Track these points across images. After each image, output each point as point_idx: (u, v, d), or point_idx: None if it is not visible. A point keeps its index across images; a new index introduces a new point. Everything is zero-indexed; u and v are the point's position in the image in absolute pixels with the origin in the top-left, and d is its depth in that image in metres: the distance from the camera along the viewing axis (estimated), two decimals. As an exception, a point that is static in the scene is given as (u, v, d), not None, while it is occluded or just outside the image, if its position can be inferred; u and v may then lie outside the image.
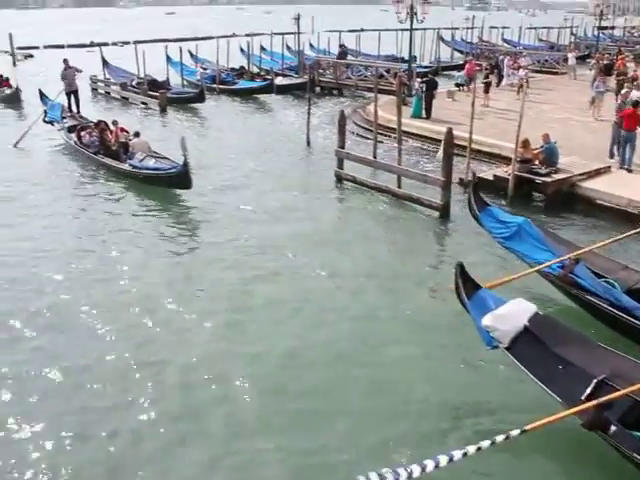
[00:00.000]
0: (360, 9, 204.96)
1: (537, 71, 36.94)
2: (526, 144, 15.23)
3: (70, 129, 20.41)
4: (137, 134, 17.94)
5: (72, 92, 24.40)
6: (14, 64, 45.24)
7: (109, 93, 31.65)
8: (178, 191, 15.38)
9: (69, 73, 24.48)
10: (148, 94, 28.32)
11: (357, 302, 10.15)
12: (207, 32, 73.21)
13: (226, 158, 18.75)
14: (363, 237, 12.93)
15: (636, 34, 75.21)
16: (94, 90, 32.56)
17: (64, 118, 21.63)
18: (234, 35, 62.80)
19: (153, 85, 29.23)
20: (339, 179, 16.39)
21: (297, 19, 37.99)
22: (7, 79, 30.18)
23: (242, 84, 31.98)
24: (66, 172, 18.01)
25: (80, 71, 25.53)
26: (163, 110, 26.69)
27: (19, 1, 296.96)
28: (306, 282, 10.83)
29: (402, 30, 29.12)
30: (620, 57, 32.97)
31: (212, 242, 12.60)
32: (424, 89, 22.38)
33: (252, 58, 37.13)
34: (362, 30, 58.98)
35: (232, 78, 32.90)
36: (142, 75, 31.05)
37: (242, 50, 39.52)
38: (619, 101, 18.29)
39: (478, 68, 27.16)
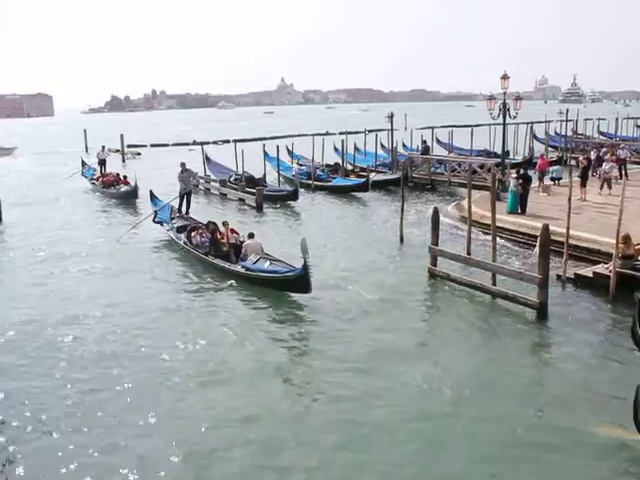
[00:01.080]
0: (448, 105, 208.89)
1: (637, 162, 36.17)
2: (627, 239, 14.82)
3: (179, 229, 20.87)
4: (251, 235, 17.78)
5: (186, 193, 25.31)
6: (123, 161, 48.51)
7: (209, 189, 33.18)
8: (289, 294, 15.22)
9: (186, 176, 25.53)
10: (246, 190, 29.49)
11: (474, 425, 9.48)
12: (303, 130, 76.18)
13: (320, 256, 18.66)
14: (461, 341, 12.73)
15: None
16: (195, 186, 34.10)
17: (173, 219, 22.47)
18: (328, 133, 65.14)
19: (250, 181, 30.45)
20: (433, 276, 16.35)
21: (391, 117, 39.08)
22: (125, 177, 32.59)
23: (337, 181, 32.81)
24: (175, 270, 18.38)
25: (197, 178, 27.10)
26: (259, 207, 27.61)
27: (129, 105, 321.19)
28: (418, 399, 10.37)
29: (494, 125, 29.37)
30: None
31: (320, 350, 12.43)
32: (520, 183, 22.26)
33: (346, 155, 38.17)
34: (454, 126, 59.64)
35: (327, 175, 33.81)
36: (240, 172, 32.39)
37: (336, 149, 40.77)
38: None
39: (586, 161, 26.69)
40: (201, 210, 25.48)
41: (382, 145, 41.29)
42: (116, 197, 30.96)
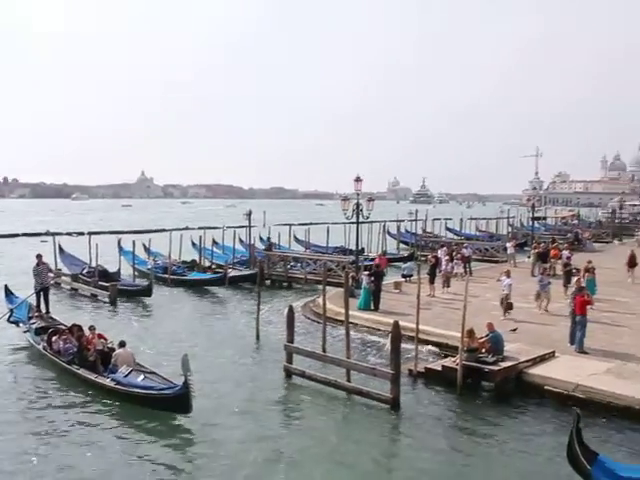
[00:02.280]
0: (301, 204, 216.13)
1: (479, 260, 38.67)
2: (471, 333, 15.55)
3: (38, 331, 18.66)
4: (122, 344, 15.77)
5: (43, 289, 22.76)
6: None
7: (59, 284, 31.46)
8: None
9: (43, 269, 23.12)
10: (98, 285, 28.39)
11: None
12: (161, 225, 75.33)
13: (172, 356, 17.59)
14: (317, 444, 12.49)
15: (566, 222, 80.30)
16: (53, 281, 32.42)
17: (31, 319, 20.01)
18: (187, 228, 64.82)
19: (104, 275, 29.37)
20: (288, 374, 16.23)
21: (249, 214, 39.56)
22: None
23: (193, 275, 32.46)
24: (32, 385, 15.99)
25: (54, 272, 24.88)
26: (113, 302, 26.65)
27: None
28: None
29: (349, 223, 30.49)
30: (553, 246, 34.82)
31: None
32: (372, 280, 23.01)
33: (204, 251, 37.93)
34: (311, 223, 61.34)
35: (183, 271, 33.39)
36: (94, 265, 31.19)
37: (194, 244, 40.52)
38: (573, 289, 19.23)
39: (434, 259, 27.99)
40: (53, 308, 23.61)
41: (241, 240, 41.55)
42: None
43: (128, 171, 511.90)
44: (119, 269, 31.25)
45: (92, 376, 15.20)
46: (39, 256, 24.23)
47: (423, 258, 33.74)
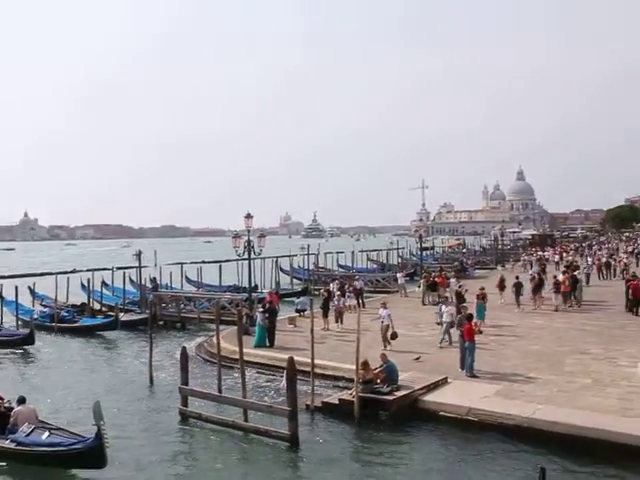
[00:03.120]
0: (189, 242, 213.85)
1: (372, 291, 39.49)
2: (366, 365, 15.80)
3: None
4: (22, 400, 14.12)
5: None
6: None
7: None
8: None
9: None
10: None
11: None
12: (47, 268, 72.27)
13: (61, 407, 17.19)
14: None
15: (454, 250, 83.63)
16: None
17: None
18: (75, 271, 62.54)
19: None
20: (184, 417, 15.84)
21: (138, 254, 38.72)
22: None
23: (83, 321, 31.31)
24: None
25: None
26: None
27: None
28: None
29: (242, 260, 30.44)
30: (441, 274, 36.13)
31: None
32: (267, 317, 22.96)
33: (93, 293, 36.68)
34: (204, 262, 60.63)
35: (72, 315, 32.20)
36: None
37: (83, 285, 39.11)
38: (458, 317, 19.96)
39: (327, 292, 28.20)
40: None
41: (131, 280, 40.51)
42: None
43: (9, 212, 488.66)
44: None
45: None
46: None
47: (317, 292, 34.12)
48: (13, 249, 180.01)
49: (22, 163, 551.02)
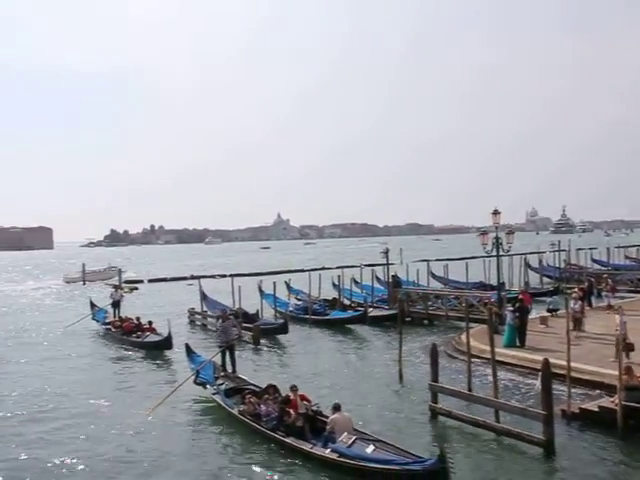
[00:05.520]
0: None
1: (631, 291, 36.40)
2: (630, 370, 14.57)
3: (228, 393, 16.99)
4: (337, 407, 13.58)
5: (228, 347, 20.56)
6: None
7: (205, 325, 33.08)
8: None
9: (227, 326, 21.05)
10: (242, 326, 29.32)
11: None
12: (300, 265, 77.02)
13: (315, 391, 17.34)
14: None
15: None
16: (192, 322, 34.47)
17: (217, 379, 18.16)
18: (324, 268, 65.89)
19: (245, 317, 30.37)
20: (434, 413, 15.89)
21: (386, 252, 39.61)
22: (150, 322, 28.75)
23: (334, 314, 32.81)
24: (229, 453, 14.25)
25: (239, 327, 22.81)
26: (256, 343, 27.33)
27: (128, 239, 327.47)
28: None
29: (489, 257, 29.78)
30: None
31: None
32: (517, 315, 22.20)
33: (343, 290, 38.34)
34: (449, 259, 60.39)
35: (324, 309, 33.90)
36: (235, 307, 32.19)
37: (334, 284, 41.01)
38: None
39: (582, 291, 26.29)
40: (198, 345, 24.02)
41: (377, 278, 41.60)
42: (142, 347, 26.79)
43: (266, 214, 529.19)
44: (258, 311, 32.18)
45: (306, 446, 13.13)
46: (224, 311, 23.96)
47: (569, 291, 32.22)
48: (269, 248, 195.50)
49: (280, 173, 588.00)
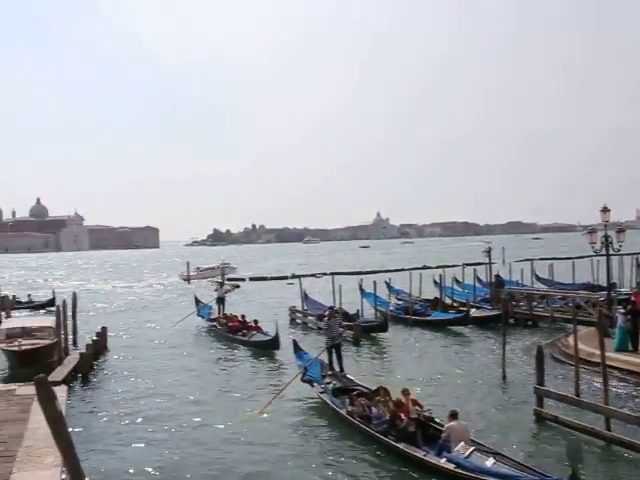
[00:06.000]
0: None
1: None
2: None
3: (335, 392, 16.68)
4: (454, 414, 12.92)
5: (334, 346, 20.17)
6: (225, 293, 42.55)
7: (306, 323, 33.46)
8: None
9: (333, 323, 20.53)
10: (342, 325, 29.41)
11: None
12: (399, 264, 76.63)
13: (418, 395, 16.61)
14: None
15: None
16: (292, 320, 34.85)
17: (324, 377, 18.02)
18: (425, 267, 65.32)
19: (345, 317, 30.43)
20: (539, 418, 15.43)
21: (488, 251, 38.84)
22: (256, 321, 29.16)
23: (435, 315, 32.47)
24: (338, 456, 13.81)
25: (342, 324, 21.96)
26: (356, 342, 27.36)
27: (230, 238, 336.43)
28: None
29: (597, 256, 28.53)
30: None
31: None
32: (629, 318, 21.20)
33: (444, 289, 37.86)
34: (554, 258, 58.41)
35: (425, 309, 33.59)
36: (336, 307, 32.30)
37: (435, 282, 40.61)
38: None
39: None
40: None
41: (479, 279, 40.81)
42: (249, 346, 27.08)
43: (365, 213, 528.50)
44: (358, 310, 32.20)
45: (419, 453, 12.49)
46: (331, 307, 23.76)
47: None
48: (368, 246, 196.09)
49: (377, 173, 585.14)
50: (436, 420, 13.89)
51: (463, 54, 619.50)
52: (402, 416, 13.61)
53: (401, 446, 12.89)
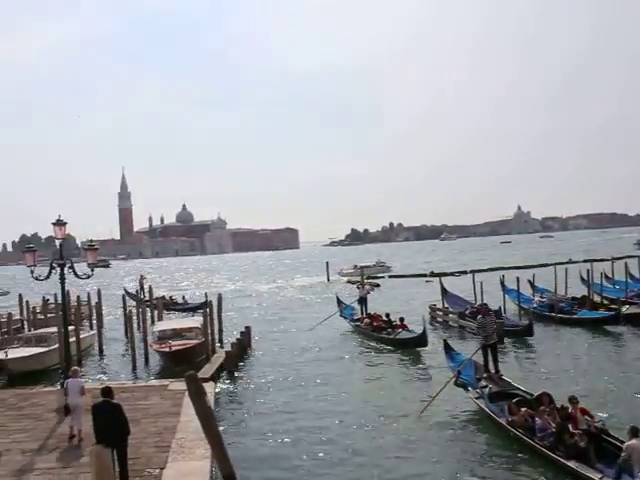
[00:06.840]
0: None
1: None
2: None
3: (492, 397, 15.43)
4: (635, 432, 10.84)
5: (490, 345, 18.67)
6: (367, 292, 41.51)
7: (447, 322, 32.85)
8: None
9: (488, 322, 19.03)
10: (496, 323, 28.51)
11: None
12: (543, 260, 73.40)
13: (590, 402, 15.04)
14: None
15: None
16: (433, 318, 34.16)
17: (479, 380, 16.84)
18: (571, 261, 62.29)
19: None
20: None
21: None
22: (402, 319, 28.85)
23: (583, 314, 30.69)
24: (504, 472, 12.65)
25: (496, 323, 20.04)
26: (501, 340, 26.29)
27: (368, 237, 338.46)
28: None
29: None
30: None
31: None
32: None
33: (593, 286, 35.82)
34: None
35: (571, 307, 31.87)
36: (476, 304, 31.48)
37: (582, 279, 38.43)
38: None
39: None
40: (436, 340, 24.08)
41: (631, 275, 38.32)
42: (395, 344, 26.96)
43: (505, 207, 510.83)
44: (500, 307, 31.22)
45: (595, 475, 10.89)
46: (484, 305, 22.53)
47: None
48: (509, 242, 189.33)
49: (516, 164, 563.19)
50: (610, 433, 12.32)
51: None
52: (571, 428, 12.19)
53: (572, 464, 11.38)
